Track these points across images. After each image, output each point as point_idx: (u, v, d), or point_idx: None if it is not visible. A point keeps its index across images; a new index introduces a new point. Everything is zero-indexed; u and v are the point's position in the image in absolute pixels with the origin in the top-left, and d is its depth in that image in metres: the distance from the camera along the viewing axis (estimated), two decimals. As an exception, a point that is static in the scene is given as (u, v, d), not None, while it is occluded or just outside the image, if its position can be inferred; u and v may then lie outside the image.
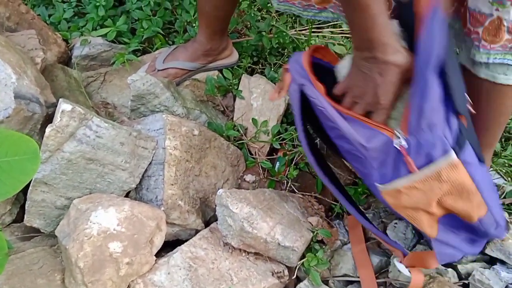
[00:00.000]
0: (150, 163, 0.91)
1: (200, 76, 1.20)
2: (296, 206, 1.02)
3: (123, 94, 1.16)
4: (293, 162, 1.12)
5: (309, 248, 0.96)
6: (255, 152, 1.13)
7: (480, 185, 0.72)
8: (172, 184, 0.89)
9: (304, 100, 0.77)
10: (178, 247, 0.87)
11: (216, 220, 0.91)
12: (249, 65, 1.28)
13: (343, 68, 0.77)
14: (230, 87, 1.19)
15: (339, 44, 1.34)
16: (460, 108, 0.68)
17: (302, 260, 0.92)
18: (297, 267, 0.92)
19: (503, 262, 0.93)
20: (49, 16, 1.32)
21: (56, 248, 0.82)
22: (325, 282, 0.93)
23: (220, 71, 1.22)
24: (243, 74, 1.21)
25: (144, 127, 0.97)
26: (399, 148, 0.68)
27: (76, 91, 1.11)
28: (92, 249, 0.74)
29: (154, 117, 0.96)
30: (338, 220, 1.05)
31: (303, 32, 1.36)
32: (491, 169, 1.12)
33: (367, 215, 1.03)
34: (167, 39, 1.33)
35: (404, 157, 0.68)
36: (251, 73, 1.30)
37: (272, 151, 1.17)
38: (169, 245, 0.91)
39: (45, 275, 0.76)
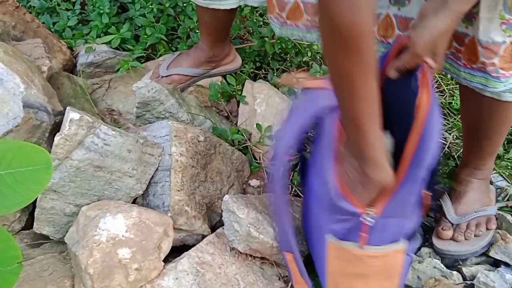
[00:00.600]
0: (157, 169, 0.92)
1: (203, 82, 1.21)
2: (301, 210, 1.03)
3: (128, 101, 1.18)
4: (298, 167, 1.13)
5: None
6: (260, 157, 1.14)
7: (403, 272, 0.78)
8: (179, 190, 0.90)
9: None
10: (185, 253, 0.88)
11: (222, 225, 0.92)
12: (252, 70, 1.29)
13: None
14: (234, 92, 1.20)
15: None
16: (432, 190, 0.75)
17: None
18: (303, 271, 0.93)
19: (507, 265, 0.94)
20: (54, 24, 1.33)
21: (66, 255, 0.83)
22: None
23: (224, 76, 1.24)
24: (247, 80, 1.22)
25: (150, 133, 0.98)
26: (364, 222, 0.72)
27: (81, 99, 1.12)
28: (101, 256, 0.75)
29: (160, 124, 0.97)
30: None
31: (305, 37, 1.37)
32: (494, 171, 1.13)
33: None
34: (170, 45, 1.34)
35: (361, 231, 0.72)
36: (254, 78, 1.31)
37: (276, 155, 1.18)
38: (176, 251, 0.91)
39: (55, 282, 0.77)
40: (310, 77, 1.02)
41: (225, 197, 0.88)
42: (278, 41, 1.29)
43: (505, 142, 1.24)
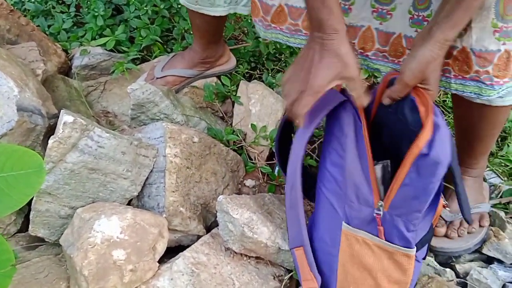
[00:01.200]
0: (151, 171, 0.93)
1: (198, 83, 1.21)
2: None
3: (123, 103, 1.18)
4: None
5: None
6: (255, 157, 1.14)
7: (413, 279, 0.80)
8: (173, 191, 0.91)
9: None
10: (181, 253, 0.88)
11: (218, 225, 0.92)
12: (247, 70, 1.30)
13: None
14: (229, 93, 1.21)
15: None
16: (469, 216, 0.78)
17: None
18: (298, 270, 0.93)
19: (500, 261, 0.95)
20: (49, 26, 1.34)
21: (61, 257, 0.84)
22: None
23: (219, 77, 1.24)
24: (241, 80, 1.23)
25: (145, 135, 0.98)
26: (375, 216, 0.75)
27: (77, 101, 1.12)
28: (96, 257, 0.76)
29: (155, 126, 0.98)
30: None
31: (299, 37, 1.37)
32: (488, 169, 1.14)
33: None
34: (165, 46, 1.35)
35: (378, 225, 0.76)
36: (249, 78, 1.32)
37: (272, 155, 1.18)
38: (171, 251, 0.92)
39: (51, 284, 0.78)
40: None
41: (219, 197, 0.89)
42: (273, 42, 1.30)
43: (499, 139, 1.24)
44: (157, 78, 1.17)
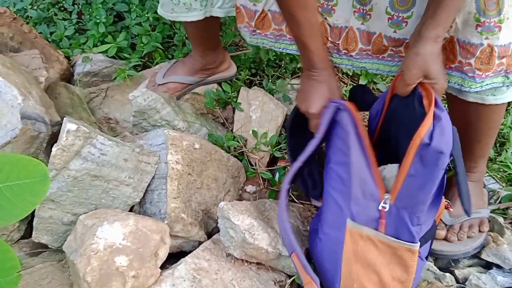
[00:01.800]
0: (153, 177, 0.94)
1: (199, 90, 1.23)
2: (296, 215, 1.04)
3: (125, 109, 1.19)
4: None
5: (309, 257, 0.98)
6: (255, 163, 1.15)
7: (416, 277, 0.81)
8: (175, 198, 0.92)
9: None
10: (182, 259, 0.89)
11: (219, 231, 0.93)
12: (247, 77, 1.31)
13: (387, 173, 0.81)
14: (229, 99, 1.22)
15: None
16: (469, 206, 0.78)
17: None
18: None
19: (499, 267, 0.95)
20: (51, 33, 1.35)
21: (64, 263, 0.85)
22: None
23: (219, 84, 1.25)
24: (242, 87, 1.24)
25: (147, 142, 0.99)
26: (380, 209, 0.76)
27: (79, 108, 1.13)
28: (99, 264, 0.77)
29: (156, 132, 0.99)
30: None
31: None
32: (487, 174, 1.15)
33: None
34: (166, 53, 1.36)
35: (380, 218, 0.77)
36: (250, 84, 1.33)
37: (272, 161, 1.19)
38: (173, 257, 0.93)
39: (54, 290, 0.78)
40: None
41: (220, 204, 0.89)
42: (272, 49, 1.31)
43: (497, 145, 1.25)
44: (159, 84, 1.18)
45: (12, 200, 0.54)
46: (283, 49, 0.99)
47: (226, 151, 1.11)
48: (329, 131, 0.85)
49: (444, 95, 1.38)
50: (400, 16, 0.83)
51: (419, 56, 0.76)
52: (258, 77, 1.35)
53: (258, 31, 0.97)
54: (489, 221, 1.02)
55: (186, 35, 1.35)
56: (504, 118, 1.27)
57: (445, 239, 0.98)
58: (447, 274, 0.94)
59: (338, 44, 0.91)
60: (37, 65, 1.04)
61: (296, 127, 0.97)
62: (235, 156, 1.13)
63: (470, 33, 0.78)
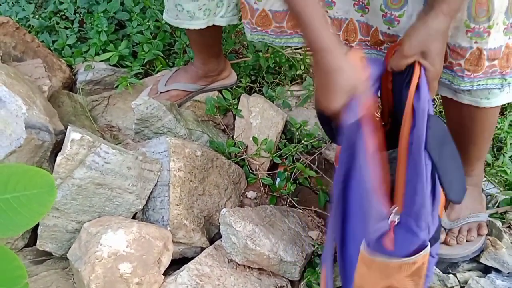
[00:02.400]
0: (156, 184, 0.95)
1: (200, 97, 1.24)
2: (297, 221, 1.05)
3: (127, 117, 1.21)
4: (292, 177, 1.16)
5: (310, 262, 0.99)
6: (256, 169, 1.17)
7: (428, 273, 0.78)
8: (177, 205, 0.93)
9: None
10: (185, 265, 0.90)
11: (221, 237, 0.94)
12: (247, 84, 1.33)
13: None
14: (230, 106, 1.23)
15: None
16: (455, 196, 0.72)
17: (305, 274, 0.96)
18: (300, 281, 0.95)
19: (498, 271, 0.96)
20: (53, 42, 1.37)
21: (68, 271, 0.86)
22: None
23: (220, 91, 1.27)
24: (242, 94, 1.25)
25: (149, 149, 1.01)
26: (389, 223, 0.72)
27: (81, 116, 1.15)
28: (103, 271, 0.78)
29: (158, 140, 1.00)
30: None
31: (298, 51, 1.40)
32: (484, 179, 1.16)
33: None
34: (167, 61, 1.38)
35: (387, 233, 0.73)
36: (250, 91, 1.34)
37: (273, 167, 1.21)
38: (176, 263, 0.94)
39: (59, 297, 0.80)
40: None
41: (222, 210, 0.91)
42: (272, 56, 1.33)
43: (495, 150, 1.27)
44: (161, 92, 1.20)
45: (19, 210, 0.55)
46: (284, 43, 0.99)
47: (227, 157, 1.13)
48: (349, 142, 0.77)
49: (439, 98, 1.40)
50: (393, 15, 0.84)
51: (425, 28, 0.72)
52: (258, 84, 1.36)
53: (258, 28, 0.97)
54: (487, 225, 1.03)
55: (188, 43, 1.37)
56: (501, 123, 1.29)
57: (444, 242, 0.99)
58: (451, 276, 0.95)
59: (339, 35, 0.92)
60: (40, 74, 1.05)
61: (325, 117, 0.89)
62: (236, 162, 1.14)
63: (460, 38, 0.80)
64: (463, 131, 0.96)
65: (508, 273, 0.96)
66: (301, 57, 1.38)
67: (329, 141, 1.20)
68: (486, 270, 0.98)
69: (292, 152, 1.17)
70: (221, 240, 0.95)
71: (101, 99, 1.23)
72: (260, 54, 1.33)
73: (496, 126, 1.26)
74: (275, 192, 1.15)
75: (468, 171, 1.03)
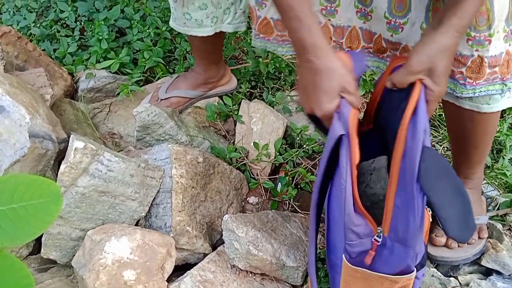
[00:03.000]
0: (158, 191, 0.96)
1: (201, 103, 1.25)
2: (299, 225, 1.06)
3: (128, 124, 1.21)
4: (293, 182, 1.16)
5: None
6: (257, 174, 1.17)
7: None
8: (180, 211, 0.94)
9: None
10: (188, 271, 0.91)
11: (223, 243, 0.95)
12: (248, 89, 1.34)
13: None
14: (231, 112, 1.24)
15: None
16: (457, 234, 0.70)
17: (307, 278, 0.96)
18: (302, 286, 0.96)
19: (499, 273, 0.97)
20: (54, 50, 1.38)
21: (72, 278, 0.86)
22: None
23: (221, 97, 1.28)
24: (243, 100, 1.26)
25: (151, 156, 1.01)
26: (373, 241, 0.72)
27: (83, 123, 1.16)
28: (107, 278, 0.79)
29: (160, 147, 1.01)
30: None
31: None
32: (484, 182, 1.17)
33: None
34: (168, 67, 1.39)
35: (369, 251, 0.73)
36: (250, 97, 1.35)
37: (274, 172, 1.21)
38: (179, 269, 0.95)
39: (64, 305, 0.80)
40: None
41: (224, 216, 0.91)
42: (272, 61, 1.34)
43: (494, 152, 1.28)
44: (162, 99, 1.21)
45: (26, 220, 0.56)
46: (286, 52, 0.99)
47: (228, 163, 1.14)
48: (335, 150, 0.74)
49: (440, 103, 1.41)
50: (397, 22, 0.85)
51: (434, 44, 0.70)
52: (258, 89, 1.37)
53: (261, 35, 0.97)
54: (487, 228, 1.04)
55: (189, 50, 1.38)
56: (500, 126, 1.30)
57: (446, 245, 1.00)
58: (452, 279, 0.96)
59: (342, 43, 0.92)
60: (42, 83, 1.06)
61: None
62: (237, 168, 1.15)
63: (461, 46, 0.80)
64: (464, 134, 0.97)
65: (509, 275, 0.97)
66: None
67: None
68: (487, 273, 0.99)
69: (293, 157, 1.18)
70: (223, 246, 0.95)
71: (103, 106, 1.24)
72: (260, 60, 1.34)
73: (495, 129, 1.27)
74: (276, 197, 1.15)
75: (469, 174, 1.04)
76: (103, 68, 1.31)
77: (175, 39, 1.44)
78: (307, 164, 1.19)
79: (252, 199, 1.15)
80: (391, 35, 0.87)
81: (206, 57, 1.19)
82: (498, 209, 1.11)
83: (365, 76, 1.41)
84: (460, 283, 0.97)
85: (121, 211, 0.90)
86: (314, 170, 1.19)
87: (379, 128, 0.83)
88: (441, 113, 1.39)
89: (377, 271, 0.74)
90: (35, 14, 1.46)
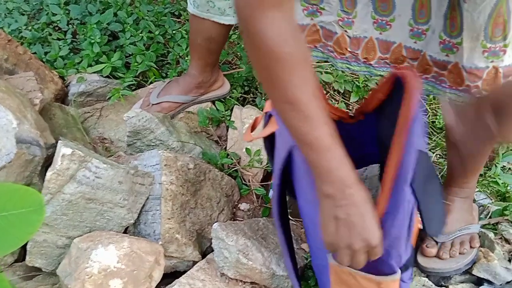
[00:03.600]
0: (148, 198, 0.94)
1: (193, 109, 1.24)
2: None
3: (119, 129, 1.20)
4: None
5: (303, 275, 0.99)
6: (249, 180, 1.17)
7: None
8: (169, 218, 0.92)
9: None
10: (177, 280, 0.89)
11: (213, 250, 0.94)
12: (240, 94, 1.33)
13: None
14: (223, 118, 1.23)
15: (326, 72, 1.39)
16: (433, 232, 0.69)
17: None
18: (293, 295, 0.95)
19: (490, 282, 0.97)
20: (45, 53, 1.36)
21: (58, 287, 0.85)
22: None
23: (213, 102, 1.27)
24: (235, 105, 1.25)
25: (141, 162, 1.00)
26: None
27: (73, 128, 1.14)
28: (93, 287, 0.77)
29: (150, 153, 1.00)
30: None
31: (291, 61, 1.41)
32: (477, 189, 1.17)
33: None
34: (160, 72, 1.38)
35: None
36: (243, 102, 1.35)
37: (266, 178, 1.21)
38: (168, 277, 0.93)
39: (48, 314, 0.79)
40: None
41: (214, 224, 0.90)
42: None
43: (487, 160, 1.27)
44: (153, 104, 1.20)
45: (7, 230, 0.54)
46: None
47: (220, 169, 1.13)
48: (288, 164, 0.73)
49: (432, 109, 1.41)
50: (420, 29, 0.85)
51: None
52: (251, 94, 1.36)
53: None
54: (479, 237, 1.04)
55: (182, 54, 1.37)
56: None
57: (437, 256, 0.99)
58: (443, 288, 0.95)
59: (357, 53, 0.93)
60: (31, 87, 1.05)
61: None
62: (228, 174, 1.14)
63: (477, 59, 0.80)
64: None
65: (500, 284, 0.97)
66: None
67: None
68: (478, 282, 0.99)
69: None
70: (213, 254, 0.94)
71: (94, 111, 1.23)
72: (253, 65, 1.33)
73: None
74: (268, 203, 1.14)
75: (462, 184, 1.04)
76: (94, 72, 1.29)
77: (168, 43, 1.43)
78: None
79: (244, 206, 1.14)
80: (415, 42, 0.87)
81: (205, 57, 1.18)
82: (490, 217, 1.11)
83: (359, 83, 1.41)
84: (451, 292, 0.97)
85: (109, 218, 0.88)
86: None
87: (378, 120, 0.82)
88: (434, 120, 1.39)
89: (361, 270, 0.73)
90: (27, 17, 1.45)
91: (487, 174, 1.22)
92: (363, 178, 0.75)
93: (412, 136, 0.66)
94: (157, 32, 1.39)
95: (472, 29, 0.78)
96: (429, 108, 1.41)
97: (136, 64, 1.33)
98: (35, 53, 1.33)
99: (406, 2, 0.82)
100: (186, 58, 1.36)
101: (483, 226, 1.08)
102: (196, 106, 1.25)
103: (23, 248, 0.90)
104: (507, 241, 1.06)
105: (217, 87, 1.27)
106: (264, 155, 1.17)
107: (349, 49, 0.93)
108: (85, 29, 1.37)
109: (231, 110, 1.24)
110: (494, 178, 1.20)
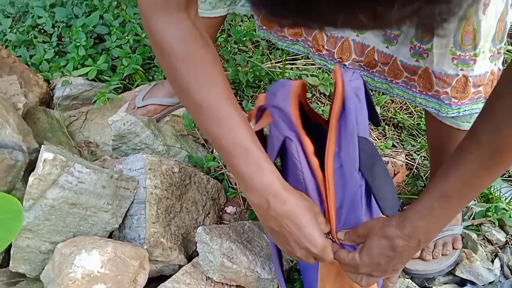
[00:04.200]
0: (132, 202, 0.94)
1: (179, 112, 1.24)
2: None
3: (105, 132, 1.20)
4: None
5: (289, 278, 0.99)
6: (235, 183, 1.17)
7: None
8: (154, 222, 0.92)
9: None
10: (162, 284, 0.89)
11: (198, 254, 0.94)
12: (227, 98, 1.33)
13: None
14: (209, 121, 1.23)
15: (312, 75, 1.40)
16: (389, 212, 0.69)
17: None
18: (278, 297, 0.95)
19: (473, 283, 0.98)
20: (30, 57, 1.35)
21: (42, 292, 0.84)
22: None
23: (199, 105, 1.27)
24: (221, 108, 1.25)
25: (126, 166, 1.00)
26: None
27: (58, 132, 1.14)
28: (76, 293, 0.77)
29: (135, 157, 0.99)
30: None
31: (278, 64, 1.41)
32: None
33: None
34: (147, 74, 1.37)
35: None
36: (230, 105, 1.35)
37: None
38: (153, 281, 0.93)
39: (31, 321, 0.78)
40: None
41: (198, 228, 0.90)
42: (252, 70, 1.33)
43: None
44: (138, 107, 1.19)
45: (-15, 237, 0.54)
46: (285, 47, 1.02)
47: (206, 172, 1.13)
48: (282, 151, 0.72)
49: (417, 111, 1.42)
50: (392, 34, 0.86)
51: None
52: (238, 97, 1.37)
53: (264, 27, 1.01)
54: (462, 238, 1.05)
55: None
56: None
57: (420, 257, 1.00)
58: (426, 290, 0.96)
59: (333, 52, 0.94)
60: (15, 91, 1.04)
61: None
62: (215, 177, 1.14)
63: (446, 65, 0.81)
64: (443, 148, 0.98)
65: (483, 285, 0.98)
66: (281, 70, 1.39)
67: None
68: (462, 283, 1.00)
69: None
70: (199, 257, 0.94)
71: (79, 114, 1.22)
72: (240, 68, 1.33)
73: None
74: (254, 206, 1.15)
75: None
76: (80, 75, 1.29)
77: (155, 46, 1.42)
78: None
79: (230, 209, 1.14)
80: (387, 47, 0.88)
81: None
82: (473, 218, 1.12)
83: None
84: (434, 294, 0.98)
85: (93, 223, 0.88)
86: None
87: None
88: (419, 122, 1.40)
89: None
90: (12, 20, 1.44)
91: (470, 176, 1.23)
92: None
93: (346, 124, 0.65)
94: (143, 35, 1.38)
95: (442, 36, 0.79)
96: (414, 110, 1.43)
97: (122, 67, 1.33)
98: (20, 56, 1.32)
99: None
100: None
101: (466, 227, 1.09)
102: (182, 109, 1.24)
103: (7, 253, 0.89)
104: (490, 242, 1.08)
105: (204, 90, 1.27)
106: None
107: (326, 47, 0.94)
108: (70, 32, 1.37)
109: (218, 113, 1.24)
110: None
